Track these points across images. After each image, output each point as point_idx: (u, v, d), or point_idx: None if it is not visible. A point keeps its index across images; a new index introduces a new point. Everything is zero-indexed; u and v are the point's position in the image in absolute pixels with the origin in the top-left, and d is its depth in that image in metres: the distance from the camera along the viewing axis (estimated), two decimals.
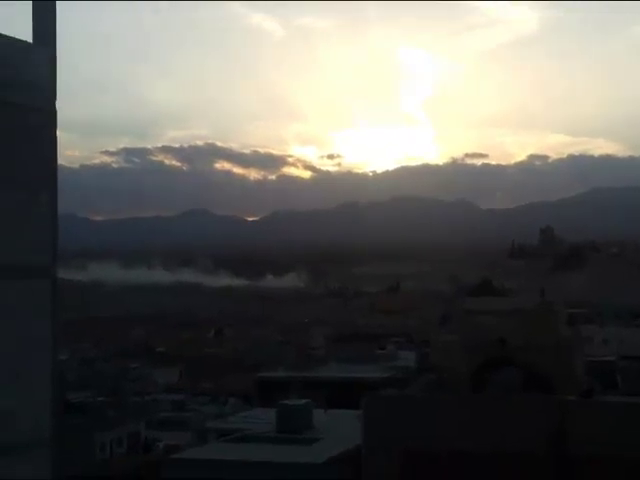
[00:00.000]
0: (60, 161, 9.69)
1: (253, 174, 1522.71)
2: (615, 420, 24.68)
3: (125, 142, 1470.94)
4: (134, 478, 48.57)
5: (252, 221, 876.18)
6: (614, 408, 25.91)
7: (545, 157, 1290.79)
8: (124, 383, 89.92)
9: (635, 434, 24.29)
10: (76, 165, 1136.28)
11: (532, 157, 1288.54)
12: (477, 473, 25.40)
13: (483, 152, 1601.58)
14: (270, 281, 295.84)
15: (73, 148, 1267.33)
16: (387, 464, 26.36)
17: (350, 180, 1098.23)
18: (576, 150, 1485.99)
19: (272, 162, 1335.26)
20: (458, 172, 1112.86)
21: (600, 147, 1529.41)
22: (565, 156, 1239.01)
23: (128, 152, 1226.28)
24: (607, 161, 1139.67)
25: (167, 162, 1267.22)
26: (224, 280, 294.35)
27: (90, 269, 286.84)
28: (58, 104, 9.30)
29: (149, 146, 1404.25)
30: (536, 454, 25.09)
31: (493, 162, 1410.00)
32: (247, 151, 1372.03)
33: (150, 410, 74.43)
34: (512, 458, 25.27)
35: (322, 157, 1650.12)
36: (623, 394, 30.07)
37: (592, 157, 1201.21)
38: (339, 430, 34.52)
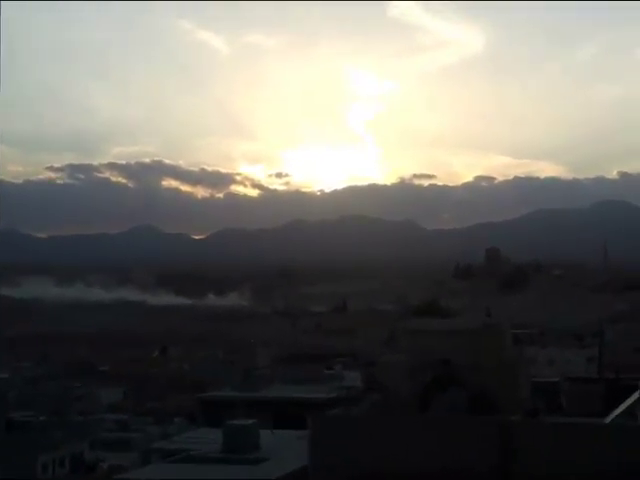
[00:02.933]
0: (3, 176, 9.63)
1: (201, 192, 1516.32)
2: (560, 441, 24.97)
3: (70, 158, 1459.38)
4: None
5: (199, 239, 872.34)
6: (559, 429, 26.22)
7: (491, 178, 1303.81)
8: (67, 402, 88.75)
9: (579, 455, 24.59)
10: (20, 180, 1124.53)
11: (478, 178, 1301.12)
12: None
13: (430, 173, 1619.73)
14: (215, 300, 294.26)
15: (17, 163, 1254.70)
16: None
17: (298, 199, 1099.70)
18: (522, 172, 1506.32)
19: (220, 180, 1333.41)
20: (405, 192, 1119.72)
21: (545, 169, 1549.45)
22: (511, 177, 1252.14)
23: (73, 168, 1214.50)
24: (552, 183, 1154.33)
25: (113, 179, 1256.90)
26: (169, 298, 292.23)
27: (31, 286, 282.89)
28: (0, 119, 9.21)
29: (95, 162, 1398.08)
30: (481, 474, 25.27)
31: (440, 183, 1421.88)
32: (195, 169, 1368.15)
33: (94, 430, 73.56)
34: (457, 478, 25.42)
35: (270, 176, 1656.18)
36: (568, 415, 30.42)
37: (537, 179, 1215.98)
38: (285, 450, 34.45)
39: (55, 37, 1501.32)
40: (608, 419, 27.88)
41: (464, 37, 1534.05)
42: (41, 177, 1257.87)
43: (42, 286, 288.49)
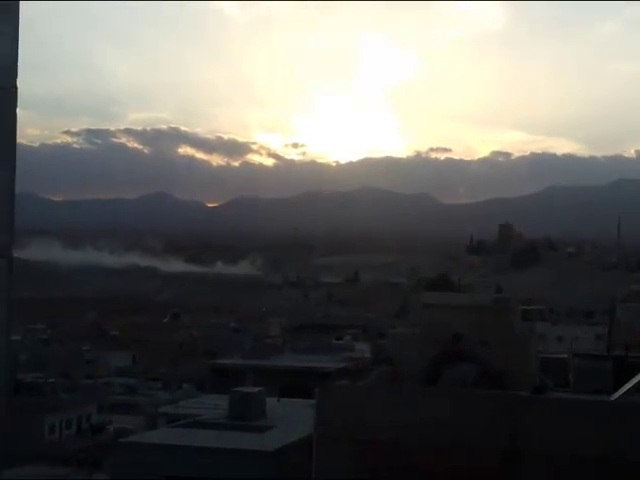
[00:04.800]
0: (20, 139, 9.56)
1: (216, 160, 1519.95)
2: (567, 417, 24.92)
3: (87, 122, 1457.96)
4: (83, 460, 48.34)
5: (213, 207, 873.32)
6: (566, 405, 26.18)
7: (508, 154, 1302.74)
8: (77, 365, 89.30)
9: (586, 431, 24.56)
10: (37, 144, 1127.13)
11: (495, 153, 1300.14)
12: (428, 464, 25.55)
13: (447, 146, 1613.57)
14: (227, 268, 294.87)
15: (34, 127, 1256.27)
16: (338, 454, 26.41)
17: (313, 169, 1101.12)
18: (538, 148, 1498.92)
19: (236, 148, 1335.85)
20: (421, 165, 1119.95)
21: (562, 146, 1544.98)
22: (528, 153, 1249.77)
23: (90, 133, 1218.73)
24: (568, 160, 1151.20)
25: (129, 145, 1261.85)
26: (181, 265, 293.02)
27: (47, 249, 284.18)
28: (19, 81, 9.17)
29: (112, 128, 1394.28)
30: (487, 448, 25.27)
31: (456, 157, 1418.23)
32: (211, 136, 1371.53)
33: (102, 393, 74.06)
34: (463, 451, 25.43)
35: (286, 145, 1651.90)
36: (575, 391, 30.36)
37: (554, 155, 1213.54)
38: (291, 418, 34.55)
39: (75, 3, 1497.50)
40: (615, 396, 27.81)
41: (484, 11, 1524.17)
42: (58, 141, 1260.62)
43: (55, 249, 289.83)
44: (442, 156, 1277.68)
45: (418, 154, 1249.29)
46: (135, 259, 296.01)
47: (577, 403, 26.47)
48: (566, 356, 36.07)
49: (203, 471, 29.43)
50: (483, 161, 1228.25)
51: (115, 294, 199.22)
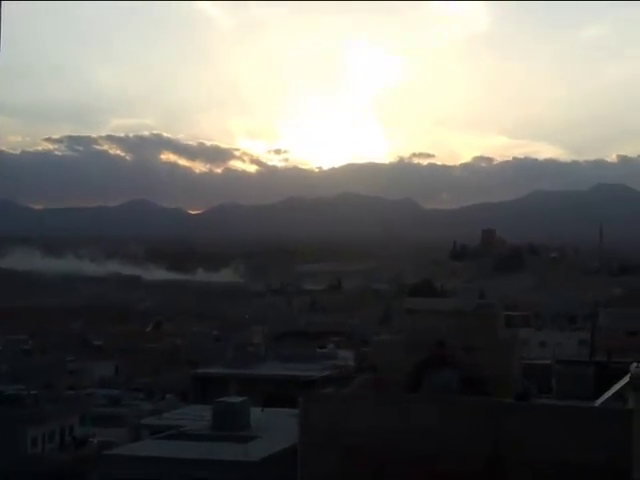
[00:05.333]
0: (1, 146, 9.40)
1: (199, 166, 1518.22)
2: (549, 423, 24.86)
3: (69, 129, 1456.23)
4: (66, 474, 47.92)
5: (195, 214, 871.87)
6: (549, 411, 26.12)
7: (490, 159, 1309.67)
8: (59, 376, 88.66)
9: (569, 437, 24.50)
10: (17, 151, 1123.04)
11: (478, 159, 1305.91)
12: (412, 471, 25.45)
13: (430, 152, 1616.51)
14: (210, 276, 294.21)
15: (15, 133, 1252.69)
16: (324, 463, 26.28)
17: (296, 176, 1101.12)
18: (520, 152, 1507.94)
19: (218, 155, 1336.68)
20: (404, 171, 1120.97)
21: (544, 151, 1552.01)
22: (510, 158, 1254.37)
23: (71, 140, 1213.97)
24: (550, 164, 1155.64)
25: (111, 152, 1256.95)
26: (163, 273, 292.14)
27: (27, 258, 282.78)
28: (0, 88, 8.95)
29: (93, 134, 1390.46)
30: (470, 455, 25.18)
31: (439, 162, 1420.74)
32: (193, 143, 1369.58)
33: (84, 405, 73.50)
34: (446, 457, 25.35)
35: (269, 151, 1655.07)
36: (558, 397, 30.32)
37: (536, 160, 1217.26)
38: (276, 428, 34.37)
39: (57, 9, 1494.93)
40: (598, 402, 27.78)
41: (468, 14, 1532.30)
42: (39, 148, 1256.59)
43: (35, 258, 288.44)
44: (425, 161, 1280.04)
45: (401, 159, 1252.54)
46: (117, 267, 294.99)
47: (560, 409, 26.43)
48: (549, 362, 36.07)
49: None
50: (465, 166, 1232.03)
51: (97, 303, 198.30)
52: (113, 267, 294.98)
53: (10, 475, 43.52)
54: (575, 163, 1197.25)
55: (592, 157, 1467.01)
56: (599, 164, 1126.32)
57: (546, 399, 29.81)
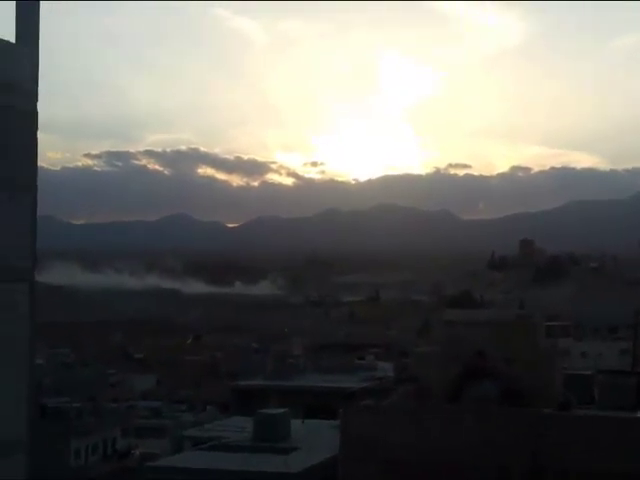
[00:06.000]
0: (41, 163, 9.63)
1: (236, 180, 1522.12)
2: (591, 434, 24.72)
3: (108, 145, 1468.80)
4: None
5: (233, 227, 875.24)
6: (590, 422, 25.96)
7: (527, 169, 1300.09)
8: (101, 389, 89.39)
9: (611, 448, 24.34)
10: (58, 167, 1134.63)
11: (515, 168, 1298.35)
12: None
13: (466, 163, 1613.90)
14: (249, 288, 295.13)
15: (55, 150, 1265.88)
16: (364, 474, 26.30)
17: (333, 188, 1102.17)
18: (558, 162, 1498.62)
19: (255, 168, 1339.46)
20: (441, 182, 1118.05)
21: (582, 160, 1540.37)
22: (547, 168, 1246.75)
23: (111, 155, 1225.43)
24: (589, 174, 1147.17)
25: (150, 166, 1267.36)
26: (202, 286, 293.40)
27: (67, 272, 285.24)
28: (40, 105, 9.22)
29: (132, 150, 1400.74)
30: (512, 466, 25.09)
31: (476, 173, 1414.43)
32: (230, 157, 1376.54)
33: (127, 417, 74.04)
34: (489, 470, 25.26)
35: (305, 164, 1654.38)
36: (599, 408, 30.07)
37: (574, 169, 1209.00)
38: (316, 440, 34.39)
39: (94, 26, 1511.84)
40: None
41: (502, 27, 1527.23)
42: (79, 164, 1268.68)
43: (75, 273, 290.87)
44: (461, 172, 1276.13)
45: (437, 170, 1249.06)
46: (156, 281, 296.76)
47: (601, 420, 26.25)
48: (590, 372, 35.77)
49: None
50: (503, 176, 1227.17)
51: (137, 316, 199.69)
52: (152, 281, 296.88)
53: None
54: (613, 172, 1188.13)
55: (630, 165, 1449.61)
56: (638, 172, 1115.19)
57: (587, 410, 29.59)
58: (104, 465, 60.32)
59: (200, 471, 30.94)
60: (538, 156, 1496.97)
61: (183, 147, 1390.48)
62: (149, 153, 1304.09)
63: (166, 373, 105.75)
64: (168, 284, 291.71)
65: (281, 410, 37.90)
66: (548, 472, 24.76)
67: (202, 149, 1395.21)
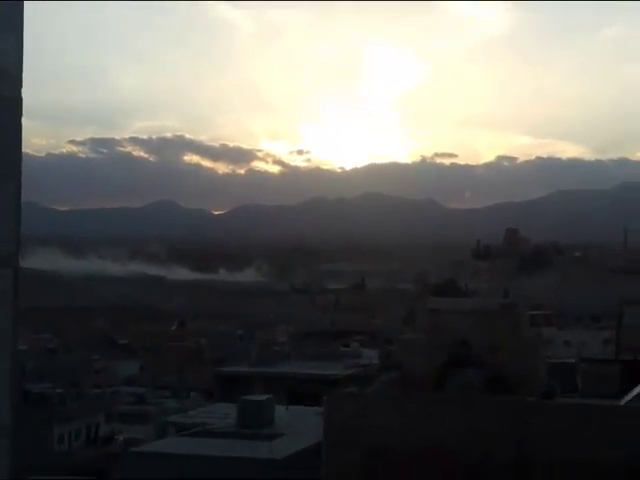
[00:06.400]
0: (26, 149, 9.60)
1: (222, 168, 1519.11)
2: (575, 422, 24.86)
3: (92, 131, 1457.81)
4: (92, 469, 48.25)
5: (219, 215, 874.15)
6: (574, 410, 26.11)
7: (513, 158, 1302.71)
8: (85, 375, 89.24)
9: (594, 436, 24.49)
10: (42, 153, 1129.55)
11: (500, 158, 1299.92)
12: (437, 471, 25.51)
13: (452, 152, 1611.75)
14: (233, 275, 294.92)
15: (40, 136, 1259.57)
16: (347, 461, 26.39)
17: (318, 176, 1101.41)
18: (544, 152, 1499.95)
19: (241, 156, 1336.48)
20: (426, 171, 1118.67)
21: (567, 150, 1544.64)
22: (533, 158, 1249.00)
23: (95, 142, 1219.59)
24: (574, 164, 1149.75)
25: (135, 153, 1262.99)
26: (186, 273, 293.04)
27: (53, 258, 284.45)
28: (24, 92, 9.16)
29: (117, 137, 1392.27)
30: (496, 454, 25.22)
31: (462, 162, 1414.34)
32: (216, 144, 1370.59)
33: (110, 403, 73.96)
34: (472, 457, 25.39)
35: (291, 152, 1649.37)
36: (583, 396, 30.26)
37: (559, 160, 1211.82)
38: (300, 426, 34.51)
39: (80, 12, 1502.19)
40: (624, 401, 27.73)
41: (488, 16, 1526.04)
42: (63, 150, 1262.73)
43: (58, 258, 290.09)
44: (447, 161, 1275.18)
45: (423, 159, 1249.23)
46: (140, 267, 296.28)
47: (585, 408, 26.42)
48: (574, 361, 35.98)
49: None
50: (488, 166, 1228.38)
51: (121, 303, 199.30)
52: (137, 267, 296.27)
53: (37, 472, 43.89)
54: (599, 162, 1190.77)
55: (616, 156, 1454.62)
56: (623, 163, 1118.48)
57: (571, 398, 29.77)
58: (88, 451, 60.30)
59: (184, 457, 31.01)
60: (524, 146, 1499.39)
61: (169, 134, 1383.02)
62: (134, 140, 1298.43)
63: (150, 359, 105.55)
64: (153, 271, 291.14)
65: (265, 396, 38.00)
66: (532, 460, 24.92)
67: (188, 136, 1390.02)
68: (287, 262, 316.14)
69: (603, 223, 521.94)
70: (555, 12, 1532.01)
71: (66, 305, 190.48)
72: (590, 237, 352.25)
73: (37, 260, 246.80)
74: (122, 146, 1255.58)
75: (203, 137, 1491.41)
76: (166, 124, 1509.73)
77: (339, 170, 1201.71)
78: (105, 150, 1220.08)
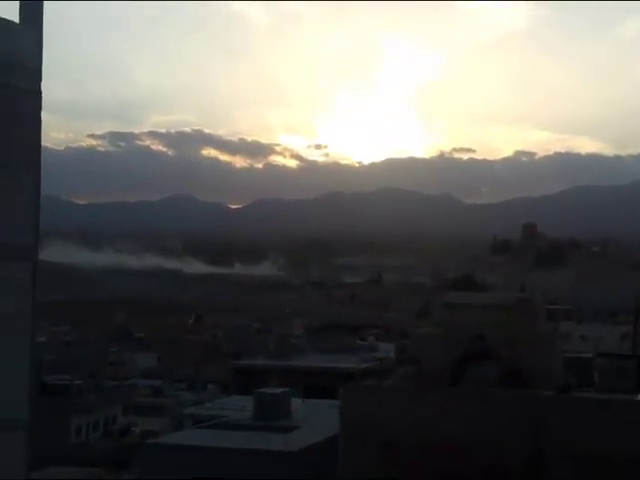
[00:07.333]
0: (45, 143, 9.68)
1: (239, 162, 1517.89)
2: (591, 416, 24.83)
3: (111, 125, 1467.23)
4: (109, 460, 48.54)
5: (236, 209, 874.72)
6: (590, 404, 26.07)
7: (532, 153, 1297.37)
8: (102, 367, 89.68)
9: (611, 431, 24.46)
10: (61, 147, 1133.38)
11: (519, 153, 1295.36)
12: (453, 464, 25.53)
13: (470, 147, 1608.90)
14: (250, 269, 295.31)
15: (59, 130, 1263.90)
16: (363, 454, 26.45)
17: (336, 170, 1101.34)
18: (562, 147, 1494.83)
19: (259, 150, 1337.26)
20: (444, 166, 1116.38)
21: (586, 145, 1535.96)
22: (552, 153, 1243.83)
23: (114, 136, 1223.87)
24: (593, 159, 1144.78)
25: (153, 147, 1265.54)
26: (204, 267, 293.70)
27: (71, 251, 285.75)
28: (43, 85, 9.25)
29: (135, 131, 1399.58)
30: (511, 448, 25.22)
31: (480, 157, 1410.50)
32: (234, 138, 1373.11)
33: (127, 395, 74.33)
34: (488, 452, 25.39)
35: (309, 147, 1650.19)
36: (599, 391, 30.20)
37: (578, 155, 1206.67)
38: (316, 419, 34.55)
39: (98, 8, 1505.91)
40: None
41: (507, 11, 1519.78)
42: (82, 144, 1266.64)
43: (76, 252, 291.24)
44: (465, 156, 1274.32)
45: (441, 154, 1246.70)
46: (158, 261, 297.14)
47: (602, 402, 26.37)
48: (590, 355, 35.89)
49: (230, 472, 29.49)
50: (506, 161, 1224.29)
51: (138, 296, 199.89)
52: (154, 261, 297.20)
53: (55, 463, 44.17)
54: (618, 157, 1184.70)
55: (635, 151, 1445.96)
56: None
57: (587, 392, 29.71)
58: (105, 442, 60.64)
59: (201, 449, 31.12)
60: (543, 141, 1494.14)
61: (187, 128, 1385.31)
62: (153, 134, 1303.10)
63: (167, 352, 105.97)
64: (170, 264, 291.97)
65: (281, 389, 38.05)
66: (548, 455, 24.89)
67: (206, 130, 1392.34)
68: (303, 256, 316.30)
69: (621, 218, 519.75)
70: (574, 8, 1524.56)
71: (84, 298, 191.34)
72: (608, 232, 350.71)
73: (56, 253, 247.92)
74: (141, 140, 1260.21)
75: (221, 131, 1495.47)
76: (184, 118, 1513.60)
77: (357, 165, 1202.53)
78: (124, 144, 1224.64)
